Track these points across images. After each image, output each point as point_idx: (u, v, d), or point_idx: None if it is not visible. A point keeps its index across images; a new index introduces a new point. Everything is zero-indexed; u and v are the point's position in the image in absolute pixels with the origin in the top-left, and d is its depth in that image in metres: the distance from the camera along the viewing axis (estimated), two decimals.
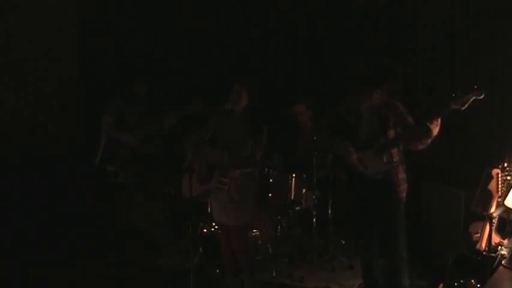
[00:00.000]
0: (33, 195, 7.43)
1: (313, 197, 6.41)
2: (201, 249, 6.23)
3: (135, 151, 6.51)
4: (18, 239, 6.72)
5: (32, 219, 7.20)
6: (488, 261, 5.20)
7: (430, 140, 4.96)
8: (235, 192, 5.31)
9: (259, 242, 6.35)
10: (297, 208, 6.45)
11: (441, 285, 5.31)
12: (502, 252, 5.27)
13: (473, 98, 4.94)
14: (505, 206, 5.12)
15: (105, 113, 6.52)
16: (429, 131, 4.87)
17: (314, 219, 6.44)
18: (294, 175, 6.37)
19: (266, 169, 6.38)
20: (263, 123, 5.34)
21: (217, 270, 5.99)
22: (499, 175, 5.46)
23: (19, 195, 7.33)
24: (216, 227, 6.34)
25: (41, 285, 5.79)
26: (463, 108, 4.93)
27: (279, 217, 6.34)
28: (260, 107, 5.55)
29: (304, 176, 6.39)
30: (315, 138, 6.31)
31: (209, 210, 6.31)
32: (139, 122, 6.51)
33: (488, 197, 5.50)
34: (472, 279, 5.20)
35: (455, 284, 5.25)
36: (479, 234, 5.56)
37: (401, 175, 5.12)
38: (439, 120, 4.90)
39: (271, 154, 6.29)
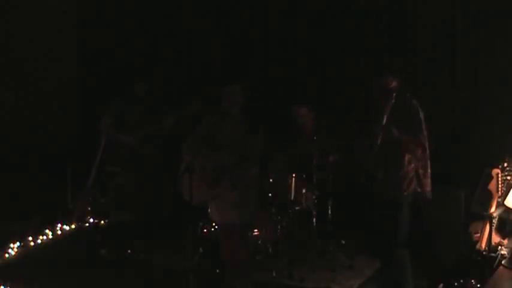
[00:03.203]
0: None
1: (313, 197, 6.41)
2: (201, 249, 6.23)
3: (135, 151, 6.51)
4: None
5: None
6: (488, 261, 5.20)
7: None
8: (238, 192, 5.30)
9: (259, 242, 6.35)
10: (297, 208, 6.44)
11: (441, 285, 5.31)
12: (502, 252, 5.27)
13: None
14: (505, 206, 5.13)
15: (105, 113, 6.52)
16: None
17: (314, 219, 6.44)
18: (294, 175, 6.37)
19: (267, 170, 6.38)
20: (260, 123, 5.33)
21: (217, 270, 5.99)
22: (499, 175, 5.47)
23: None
24: (216, 227, 6.34)
25: (42, 285, 5.78)
26: None
27: (279, 217, 6.33)
28: (258, 106, 5.56)
29: (304, 176, 6.38)
30: (315, 138, 6.32)
31: (209, 210, 6.30)
32: (139, 122, 6.51)
33: (488, 197, 5.50)
34: (472, 279, 5.20)
35: (455, 284, 5.25)
36: (479, 234, 5.56)
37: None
38: None
39: (271, 154, 6.29)
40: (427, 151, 5.02)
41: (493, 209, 5.46)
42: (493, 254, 5.26)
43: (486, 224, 5.47)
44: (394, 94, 4.98)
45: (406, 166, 4.99)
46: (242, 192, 5.31)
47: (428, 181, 5.07)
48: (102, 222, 7.31)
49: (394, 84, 5.02)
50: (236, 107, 5.39)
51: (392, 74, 5.08)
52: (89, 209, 7.32)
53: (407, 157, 4.98)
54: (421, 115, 5.00)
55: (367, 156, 5.06)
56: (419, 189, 5.06)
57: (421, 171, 5.03)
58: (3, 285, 5.65)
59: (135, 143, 6.47)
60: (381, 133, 4.89)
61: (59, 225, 7.17)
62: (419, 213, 6.06)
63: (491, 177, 5.51)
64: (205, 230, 6.47)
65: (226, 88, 5.44)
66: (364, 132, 5.14)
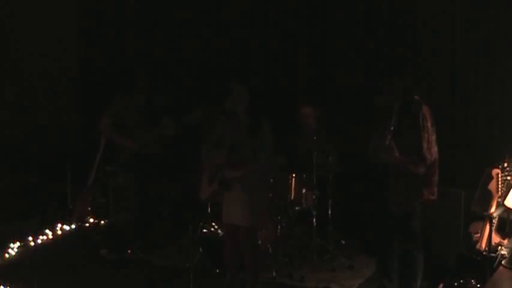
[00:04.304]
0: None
1: (313, 197, 6.41)
2: (201, 249, 6.23)
3: (136, 151, 6.50)
4: None
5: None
6: (488, 261, 5.20)
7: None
8: (246, 193, 5.29)
9: (259, 242, 6.34)
10: (297, 208, 6.45)
11: (441, 285, 5.31)
12: (502, 252, 5.27)
13: None
14: (505, 206, 5.12)
15: (104, 113, 6.52)
16: None
17: (314, 219, 6.44)
18: (294, 175, 6.37)
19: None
20: (263, 120, 5.32)
21: (217, 270, 5.99)
22: (499, 175, 5.46)
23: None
24: (216, 227, 6.35)
25: (42, 285, 5.78)
26: None
27: (279, 217, 6.33)
28: (261, 106, 5.55)
29: (304, 176, 6.38)
30: (315, 138, 6.31)
31: (209, 211, 6.31)
32: (138, 122, 6.50)
33: (488, 197, 5.50)
34: (472, 279, 5.20)
35: (455, 284, 5.25)
36: (479, 234, 5.56)
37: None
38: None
39: (274, 154, 6.27)
40: (435, 158, 5.02)
41: (493, 209, 5.45)
42: (493, 254, 5.25)
43: (486, 224, 5.47)
44: (402, 96, 4.99)
45: (412, 175, 4.97)
46: (253, 192, 5.30)
47: (434, 189, 5.10)
48: (102, 222, 7.31)
49: (400, 86, 5.02)
50: (241, 106, 5.39)
51: (401, 75, 5.08)
52: (89, 209, 7.32)
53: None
54: (429, 123, 4.95)
55: (376, 159, 5.06)
56: (432, 197, 5.08)
57: (432, 178, 5.05)
58: (3, 285, 5.64)
59: (134, 148, 6.45)
60: (388, 137, 4.87)
61: (59, 225, 7.17)
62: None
63: (491, 177, 5.50)
64: (205, 230, 6.46)
65: (232, 88, 5.44)
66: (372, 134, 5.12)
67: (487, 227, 5.43)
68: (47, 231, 7.03)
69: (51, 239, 7.00)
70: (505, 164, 5.47)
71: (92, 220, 7.35)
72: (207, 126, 5.52)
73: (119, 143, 6.49)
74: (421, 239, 5.20)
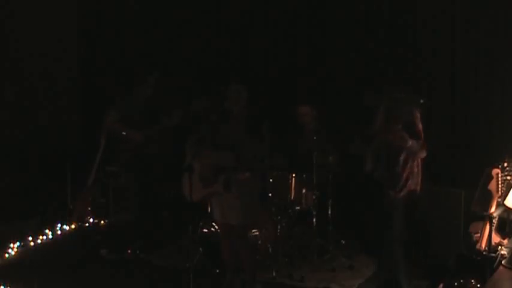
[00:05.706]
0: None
1: (313, 197, 6.41)
2: (201, 249, 6.23)
3: (136, 151, 6.50)
4: None
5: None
6: (488, 261, 5.20)
7: None
8: (240, 192, 5.29)
9: (259, 242, 6.34)
10: (297, 208, 6.45)
11: (441, 285, 5.31)
12: (502, 252, 5.27)
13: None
14: (505, 206, 5.13)
15: (110, 109, 6.51)
16: None
17: (314, 219, 6.44)
18: (294, 175, 6.37)
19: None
20: (263, 121, 5.32)
21: (217, 270, 5.99)
22: (499, 175, 5.47)
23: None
24: (216, 226, 6.34)
25: (42, 285, 5.79)
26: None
27: (279, 217, 6.34)
28: (260, 106, 5.56)
29: (304, 176, 6.38)
30: (315, 138, 6.32)
31: (209, 210, 6.30)
32: (139, 122, 6.50)
33: (488, 197, 5.50)
34: (472, 279, 5.20)
35: (455, 284, 5.25)
36: (479, 234, 5.56)
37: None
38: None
39: (271, 154, 6.28)
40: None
41: (493, 209, 5.46)
42: (493, 254, 5.26)
43: (486, 224, 5.47)
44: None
45: (402, 165, 5.06)
46: (242, 193, 5.30)
47: (419, 179, 5.27)
48: (102, 222, 7.31)
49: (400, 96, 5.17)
50: (240, 106, 5.39)
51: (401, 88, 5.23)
52: (89, 209, 7.32)
53: (403, 156, 5.06)
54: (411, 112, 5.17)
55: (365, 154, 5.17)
56: (416, 188, 5.22)
57: (415, 169, 5.21)
58: (3, 285, 5.65)
59: (141, 141, 6.46)
60: (400, 128, 5.01)
61: (59, 225, 7.17)
62: (419, 213, 6.09)
63: (491, 177, 5.51)
64: (205, 230, 6.46)
65: (231, 87, 5.44)
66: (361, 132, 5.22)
67: (487, 227, 5.43)
68: (47, 231, 7.03)
69: (51, 239, 7.00)
70: (505, 164, 5.47)
71: (92, 220, 7.35)
72: (206, 126, 5.51)
73: (128, 136, 6.46)
74: (400, 231, 5.26)
